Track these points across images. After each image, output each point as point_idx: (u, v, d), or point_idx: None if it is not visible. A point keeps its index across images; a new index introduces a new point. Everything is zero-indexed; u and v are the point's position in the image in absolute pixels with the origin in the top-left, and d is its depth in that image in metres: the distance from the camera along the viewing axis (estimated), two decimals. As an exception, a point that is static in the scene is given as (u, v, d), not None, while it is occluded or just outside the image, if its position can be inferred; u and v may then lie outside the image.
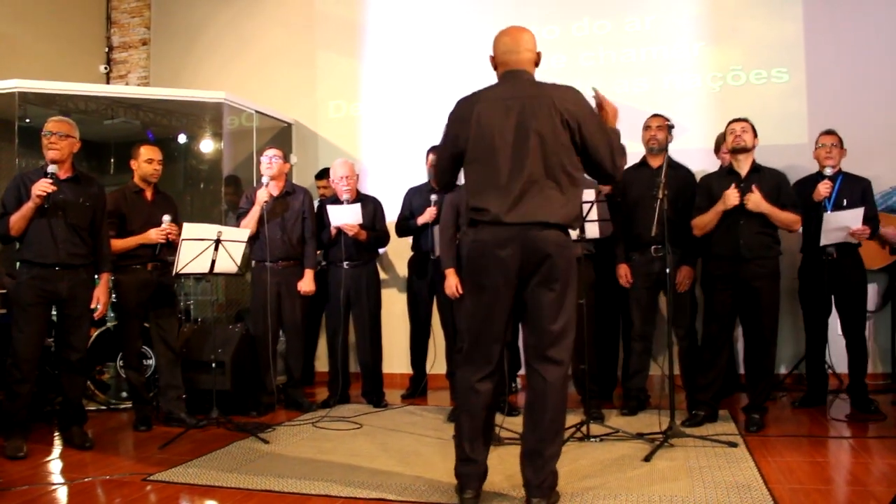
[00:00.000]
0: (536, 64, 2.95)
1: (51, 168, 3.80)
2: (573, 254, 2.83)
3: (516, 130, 2.76)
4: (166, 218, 4.41)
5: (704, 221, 4.15)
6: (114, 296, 4.97)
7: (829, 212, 4.33)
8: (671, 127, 4.10)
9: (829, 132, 4.51)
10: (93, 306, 4.02)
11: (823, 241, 4.32)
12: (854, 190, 4.42)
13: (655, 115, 4.56)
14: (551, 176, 2.76)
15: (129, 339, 4.45)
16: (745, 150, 4.12)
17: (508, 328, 2.84)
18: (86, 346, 4.09)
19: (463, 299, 2.96)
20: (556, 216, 2.75)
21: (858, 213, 4.26)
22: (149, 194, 4.51)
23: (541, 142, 2.75)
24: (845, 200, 4.38)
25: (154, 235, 4.38)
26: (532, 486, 2.75)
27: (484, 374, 2.82)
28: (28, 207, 3.77)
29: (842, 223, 4.27)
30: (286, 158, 4.96)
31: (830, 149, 4.43)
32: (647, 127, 4.56)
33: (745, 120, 4.18)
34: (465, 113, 2.86)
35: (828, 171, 4.39)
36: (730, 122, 4.22)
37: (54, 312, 4.01)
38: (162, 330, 4.49)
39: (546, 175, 2.75)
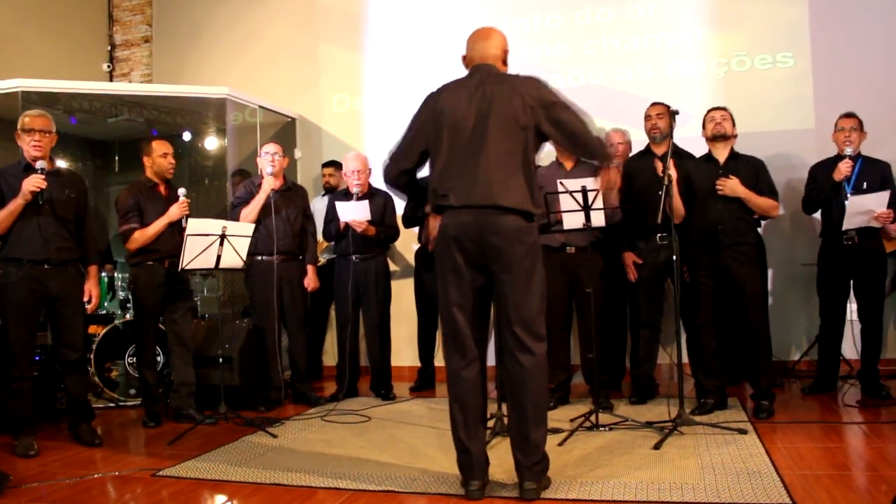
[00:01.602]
0: (504, 63, 3.01)
1: (39, 164, 3.76)
2: (535, 239, 2.84)
3: (477, 116, 2.81)
4: (181, 191, 4.42)
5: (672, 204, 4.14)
6: (123, 293, 5.00)
7: (850, 195, 4.26)
8: (675, 113, 4.07)
9: (850, 115, 4.46)
10: (85, 299, 4.00)
11: (846, 226, 4.26)
12: (874, 173, 4.37)
13: (655, 104, 4.54)
14: (508, 162, 2.79)
15: (145, 337, 4.46)
16: (725, 137, 4.15)
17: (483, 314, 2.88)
18: (83, 343, 4.06)
19: (437, 284, 2.98)
20: (514, 201, 2.77)
21: (883, 196, 4.19)
22: (162, 189, 4.50)
23: (500, 128, 2.79)
24: (865, 184, 4.32)
25: (176, 211, 4.37)
26: (524, 469, 2.77)
27: (467, 362, 2.83)
28: (17, 204, 3.71)
29: (866, 207, 4.20)
30: (286, 153, 4.94)
31: (849, 132, 4.39)
32: (647, 116, 4.55)
33: (725, 109, 4.21)
34: (432, 104, 2.92)
35: (848, 151, 4.34)
36: (709, 111, 4.24)
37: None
38: (177, 326, 4.48)
39: (503, 161, 2.78)
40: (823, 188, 4.42)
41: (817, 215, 4.67)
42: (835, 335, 4.52)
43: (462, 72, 3.04)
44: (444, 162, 2.85)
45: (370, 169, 5.08)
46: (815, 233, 4.66)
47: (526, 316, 2.77)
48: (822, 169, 4.48)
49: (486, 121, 2.80)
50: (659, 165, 4.06)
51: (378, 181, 5.21)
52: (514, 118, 2.79)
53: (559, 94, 2.88)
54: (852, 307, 4.49)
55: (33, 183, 3.69)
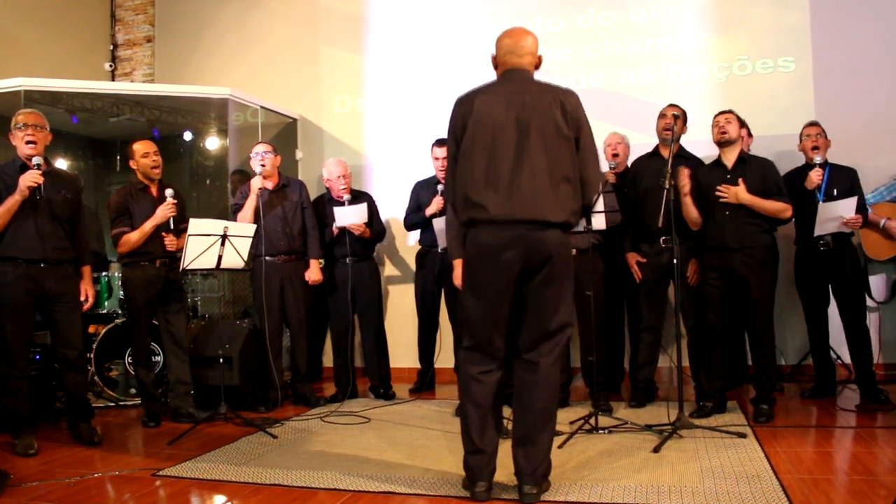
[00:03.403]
0: (537, 67, 2.94)
1: (36, 159, 3.74)
2: (570, 252, 2.85)
3: (517, 125, 2.74)
4: (169, 192, 4.39)
5: (686, 213, 4.15)
6: (122, 293, 5.00)
7: (821, 202, 4.31)
8: (676, 117, 4.09)
9: (814, 123, 4.56)
10: (82, 299, 4.01)
11: (818, 232, 4.33)
12: (843, 180, 4.43)
13: (672, 105, 4.53)
14: (552, 173, 2.73)
15: (137, 336, 4.46)
16: (730, 142, 4.14)
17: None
18: (82, 341, 4.06)
19: (463, 296, 2.92)
20: (557, 215, 2.73)
21: (851, 202, 4.27)
22: (154, 190, 4.48)
23: (542, 138, 2.73)
24: (835, 190, 4.39)
25: (161, 213, 4.34)
26: (524, 474, 2.75)
27: (488, 369, 2.82)
28: (15, 200, 3.69)
29: (836, 213, 4.28)
30: (284, 152, 4.94)
31: (816, 139, 4.47)
32: (662, 115, 4.52)
33: (730, 112, 4.20)
34: (467, 107, 2.83)
35: (818, 160, 4.37)
36: (715, 115, 4.22)
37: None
38: (171, 325, 4.48)
39: (547, 172, 2.73)
40: (795, 196, 4.43)
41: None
42: (822, 339, 4.55)
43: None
44: (480, 171, 2.76)
45: (350, 173, 5.13)
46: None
47: (554, 325, 2.78)
48: (793, 178, 4.50)
49: (527, 130, 2.72)
50: (686, 173, 4.08)
51: (371, 181, 5.26)
52: (557, 127, 2.73)
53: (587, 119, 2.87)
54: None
55: (31, 178, 3.67)
